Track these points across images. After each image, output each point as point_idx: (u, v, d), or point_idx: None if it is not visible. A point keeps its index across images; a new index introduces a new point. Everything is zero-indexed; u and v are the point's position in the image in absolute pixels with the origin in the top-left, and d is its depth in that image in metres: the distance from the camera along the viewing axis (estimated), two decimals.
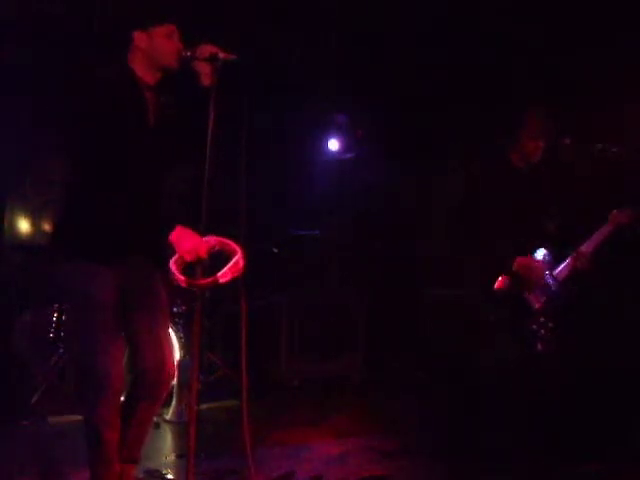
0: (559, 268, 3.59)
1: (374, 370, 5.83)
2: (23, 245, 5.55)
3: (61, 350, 4.56)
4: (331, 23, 5.22)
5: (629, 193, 3.77)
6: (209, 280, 2.39)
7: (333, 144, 6.69)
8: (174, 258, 2.42)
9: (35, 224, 5.82)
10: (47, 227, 5.79)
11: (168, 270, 2.42)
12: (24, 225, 5.81)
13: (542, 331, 3.44)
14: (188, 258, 2.40)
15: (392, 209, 6.51)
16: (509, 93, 4.78)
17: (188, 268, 2.42)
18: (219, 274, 2.38)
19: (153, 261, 2.63)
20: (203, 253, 2.41)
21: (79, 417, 4.07)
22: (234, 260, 2.43)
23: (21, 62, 4.97)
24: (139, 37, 2.57)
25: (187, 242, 2.41)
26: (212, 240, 2.49)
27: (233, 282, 2.42)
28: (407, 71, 5.50)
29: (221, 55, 2.45)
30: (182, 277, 2.38)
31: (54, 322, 4.66)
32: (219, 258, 2.51)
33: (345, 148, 6.73)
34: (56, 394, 4.43)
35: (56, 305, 4.67)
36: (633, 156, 3.63)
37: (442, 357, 5.65)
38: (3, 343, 4.79)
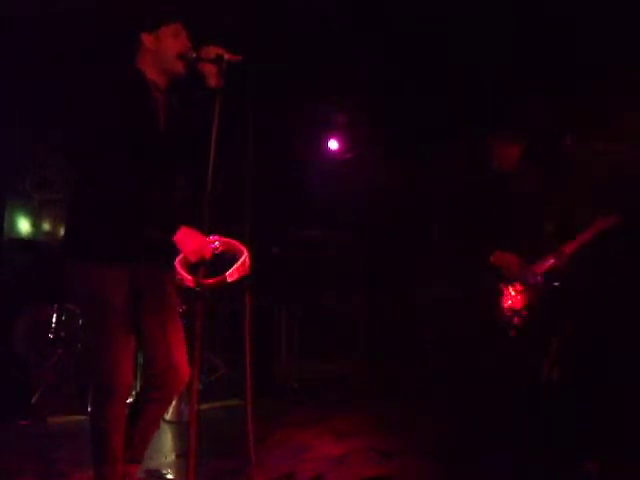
0: (538, 264, 3.82)
1: (374, 370, 5.83)
2: (23, 245, 5.55)
3: (61, 350, 4.57)
4: (331, 23, 5.21)
5: (625, 194, 3.84)
6: (217, 279, 2.39)
7: (333, 144, 6.70)
8: (178, 258, 2.42)
9: (35, 224, 5.82)
10: (47, 227, 5.80)
11: (174, 270, 2.41)
12: (24, 225, 5.82)
13: (515, 320, 3.74)
14: (193, 258, 2.39)
15: (392, 209, 6.51)
16: (510, 93, 4.79)
17: (191, 268, 2.41)
18: (227, 273, 2.38)
19: (164, 262, 2.60)
20: (207, 254, 2.41)
21: (79, 417, 4.12)
22: (241, 259, 2.43)
23: (30, 61, 4.97)
24: (147, 39, 2.57)
25: (192, 242, 2.40)
26: (216, 240, 2.48)
27: (234, 282, 2.42)
28: (407, 71, 5.50)
29: (226, 56, 2.44)
30: (190, 277, 2.37)
31: (54, 322, 4.67)
32: (219, 258, 2.51)
33: (345, 148, 6.74)
34: (56, 394, 4.44)
35: (56, 305, 4.67)
36: (633, 155, 3.66)
37: (442, 357, 5.66)
38: (3, 343, 4.79)
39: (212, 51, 2.47)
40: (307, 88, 5.73)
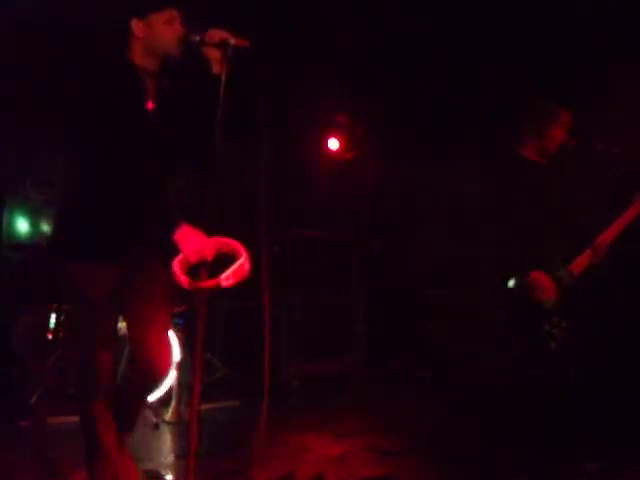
0: (575, 262, 3.43)
1: (374, 370, 5.83)
2: (23, 245, 5.55)
3: (60, 350, 4.56)
4: (331, 23, 5.21)
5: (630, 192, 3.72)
6: (211, 283, 2.26)
7: (333, 144, 6.70)
8: (178, 258, 2.33)
9: (35, 224, 5.82)
10: (47, 227, 5.79)
11: (170, 268, 2.34)
12: (24, 225, 5.81)
13: (555, 330, 3.35)
14: (193, 259, 2.30)
15: (392, 209, 6.51)
16: (510, 92, 4.78)
17: (192, 269, 2.34)
18: (222, 277, 2.26)
19: (158, 252, 2.50)
20: (209, 255, 2.30)
21: (79, 417, 4.11)
22: (238, 263, 2.30)
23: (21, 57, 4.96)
24: (137, 26, 2.45)
25: (193, 242, 2.30)
26: (218, 241, 2.36)
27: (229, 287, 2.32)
28: (407, 70, 5.50)
29: (232, 41, 2.29)
30: (184, 278, 2.29)
31: (53, 322, 4.66)
32: (220, 259, 2.47)
33: (345, 148, 6.74)
34: (56, 394, 4.43)
35: (55, 305, 4.66)
36: (632, 157, 3.63)
37: (442, 357, 5.66)
38: (3, 343, 4.79)
39: (217, 35, 2.32)
40: (307, 88, 5.73)
